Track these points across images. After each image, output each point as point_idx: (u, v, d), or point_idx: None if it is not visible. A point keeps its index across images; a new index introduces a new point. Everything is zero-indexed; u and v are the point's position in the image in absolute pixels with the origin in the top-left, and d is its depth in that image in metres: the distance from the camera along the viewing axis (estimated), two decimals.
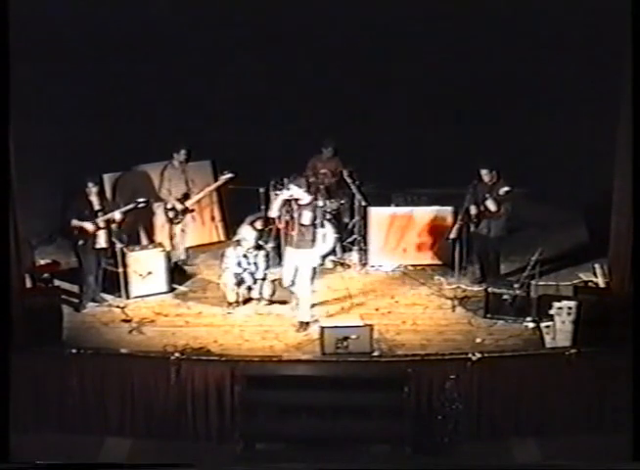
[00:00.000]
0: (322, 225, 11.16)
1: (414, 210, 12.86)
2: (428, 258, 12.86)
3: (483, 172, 11.94)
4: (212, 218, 13.56)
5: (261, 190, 12.84)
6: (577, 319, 10.74)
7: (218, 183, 12.87)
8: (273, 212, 11.33)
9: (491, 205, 11.88)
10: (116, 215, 11.75)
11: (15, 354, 9.46)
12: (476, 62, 13.39)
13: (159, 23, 12.78)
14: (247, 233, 11.75)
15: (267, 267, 11.90)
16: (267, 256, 11.96)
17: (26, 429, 10.17)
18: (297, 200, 11.09)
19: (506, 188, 11.77)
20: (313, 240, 11.08)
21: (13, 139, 10.12)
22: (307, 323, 11.28)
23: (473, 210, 12.01)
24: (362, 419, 10.25)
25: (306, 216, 11.03)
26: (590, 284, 11.84)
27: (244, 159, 12.92)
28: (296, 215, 11.08)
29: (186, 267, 12.84)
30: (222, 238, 13.55)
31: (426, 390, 10.18)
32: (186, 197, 12.74)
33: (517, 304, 11.37)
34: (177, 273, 12.56)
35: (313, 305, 11.51)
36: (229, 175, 12.69)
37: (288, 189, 11.19)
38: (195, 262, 13.01)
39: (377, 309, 11.76)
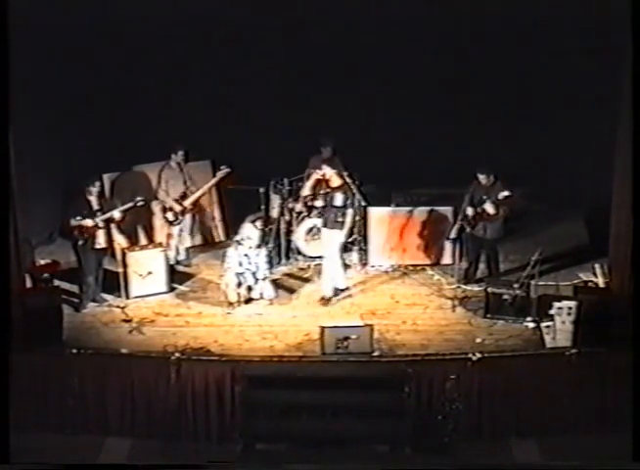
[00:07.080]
0: (352, 206, 11.85)
1: (414, 210, 12.85)
2: (428, 257, 12.85)
3: (481, 177, 11.94)
4: (212, 218, 13.53)
5: (261, 190, 12.84)
6: (577, 319, 10.74)
7: (216, 179, 12.87)
8: (305, 191, 12.22)
9: (490, 208, 11.87)
10: (116, 214, 11.75)
11: (15, 354, 9.48)
12: (475, 61, 13.39)
13: (158, 23, 12.77)
14: (250, 232, 11.73)
15: (270, 267, 11.92)
16: (268, 255, 11.97)
17: (26, 429, 10.14)
18: (327, 181, 11.88)
19: (506, 193, 11.74)
20: (343, 222, 11.73)
21: (13, 139, 10.14)
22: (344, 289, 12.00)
23: (470, 211, 12.01)
24: (362, 419, 10.25)
25: (338, 198, 11.71)
26: (590, 284, 11.84)
27: (244, 159, 12.92)
28: (328, 198, 11.80)
29: (185, 267, 12.85)
30: (222, 238, 13.53)
31: (426, 390, 10.19)
32: (184, 197, 12.75)
33: (517, 304, 11.38)
34: (177, 273, 12.56)
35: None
36: (226, 170, 12.70)
37: (320, 169, 11.97)
38: (195, 262, 13.01)
39: (377, 309, 11.77)
